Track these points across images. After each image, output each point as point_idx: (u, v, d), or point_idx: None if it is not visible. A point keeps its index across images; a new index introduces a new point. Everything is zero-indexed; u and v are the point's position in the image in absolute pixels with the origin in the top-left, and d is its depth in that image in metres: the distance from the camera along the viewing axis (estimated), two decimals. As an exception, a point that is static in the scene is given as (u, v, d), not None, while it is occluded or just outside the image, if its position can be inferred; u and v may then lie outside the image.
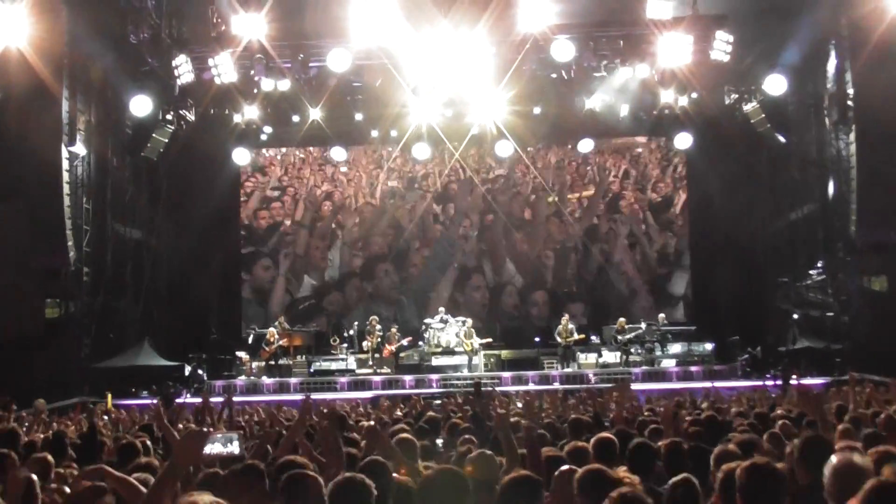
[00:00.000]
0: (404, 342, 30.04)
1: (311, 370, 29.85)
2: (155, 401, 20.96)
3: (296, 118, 31.76)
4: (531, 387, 26.35)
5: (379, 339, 29.77)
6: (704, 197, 33.73)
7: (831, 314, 28.34)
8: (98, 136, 28.99)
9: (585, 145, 33.53)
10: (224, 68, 28.04)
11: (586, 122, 32.16)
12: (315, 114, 30.90)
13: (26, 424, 12.24)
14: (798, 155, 30.55)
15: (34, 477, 5.81)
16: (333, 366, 30.08)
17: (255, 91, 30.02)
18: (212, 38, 28.70)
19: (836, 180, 28.35)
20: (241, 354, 30.32)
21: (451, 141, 32.58)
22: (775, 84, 28.68)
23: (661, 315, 30.99)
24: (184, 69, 28.38)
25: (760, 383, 23.81)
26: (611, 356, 29.86)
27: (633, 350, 29.71)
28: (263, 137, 33.44)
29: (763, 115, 29.52)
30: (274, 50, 28.11)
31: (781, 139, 30.24)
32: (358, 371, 29.57)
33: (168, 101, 29.97)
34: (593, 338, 31.07)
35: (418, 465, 6.83)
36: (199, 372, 28.83)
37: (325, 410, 11.03)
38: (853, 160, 27.40)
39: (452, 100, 30.51)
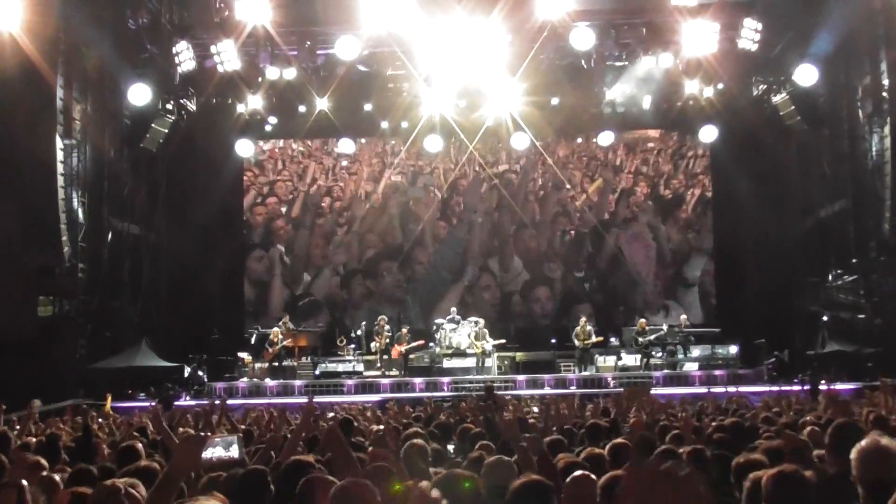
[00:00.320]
0: (415, 344, 30.04)
1: (317, 372, 29.89)
2: (153, 403, 21.04)
3: (302, 109, 31.77)
4: (547, 391, 26.34)
5: (388, 340, 29.74)
6: (730, 193, 33.66)
7: (863, 316, 28.26)
8: (94, 126, 29.03)
9: (606, 138, 33.46)
10: (227, 56, 28.09)
11: (606, 115, 32.14)
12: (322, 104, 30.89)
13: (17, 427, 12.27)
14: (829, 149, 30.43)
15: (25, 483, 5.82)
16: (340, 367, 30.11)
17: (260, 80, 30.06)
18: (214, 24, 28.76)
19: (870, 176, 28.22)
20: (244, 355, 30.30)
21: (464, 133, 32.49)
22: (806, 74, 28.49)
23: (684, 316, 30.99)
24: (185, 56, 28.44)
25: (788, 388, 23.74)
26: (630, 359, 29.81)
27: (653, 353, 29.67)
28: (268, 128, 33.48)
29: (792, 107, 29.37)
30: (280, 37, 28.13)
31: (812, 132, 30.14)
32: (366, 373, 29.59)
33: (168, 90, 29.98)
34: (612, 340, 31.03)
35: (429, 471, 6.84)
36: (200, 373, 28.86)
37: (330, 415, 11.05)
38: (888, 154, 27.21)
39: (466, 90, 30.47)
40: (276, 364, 29.54)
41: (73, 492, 5.63)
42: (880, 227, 27.59)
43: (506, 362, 30.30)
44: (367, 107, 32.03)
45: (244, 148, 33.44)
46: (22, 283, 25.64)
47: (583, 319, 29.81)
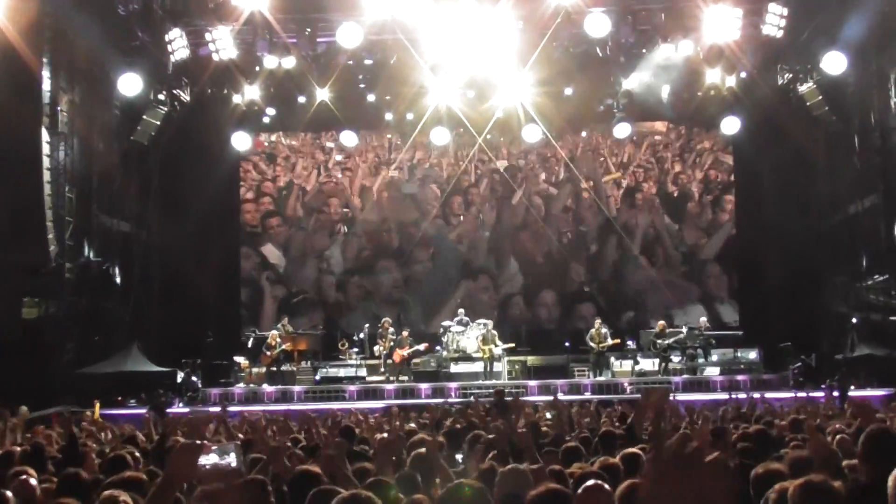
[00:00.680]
0: (419, 347, 30.02)
1: (317, 377, 29.90)
2: (145, 411, 21.04)
3: (302, 99, 31.83)
4: (560, 397, 26.29)
5: (392, 344, 29.74)
6: (752, 188, 33.64)
7: (895, 318, 28.21)
8: (82, 117, 29.00)
9: (622, 130, 33.40)
10: (223, 44, 28.13)
11: (622, 106, 32.09)
12: (323, 94, 30.92)
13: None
14: (859, 141, 30.31)
15: (10, 495, 5.84)
16: (342, 372, 30.11)
17: (257, 69, 30.09)
18: (209, 10, 28.70)
19: (902, 169, 28.18)
20: (240, 359, 30.34)
21: (473, 125, 32.46)
22: (834, 62, 28.34)
23: (703, 318, 30.94)
24: (178, 44, 28.44)
25: (815, 394, 23.69)
26: (648, 363, 29.80)
27: (672, 357, 29.64)
28: (266, 120, 33.54)
29: (820, 97, 29.33)
30: (278, 23, 28.11)
31: (840, 124, 30.08)
32: (369, 378, 29.61)
33: (161, 80, 29.99)
34: (629, 343, 30.99)
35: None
36: (194, 379, 28.83)
37: (330, 421, 11.06)
38: (921, 147, 27.25)
39: (475, 80, 30.49)
40: (275, 369, 29.51)
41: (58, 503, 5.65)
42: (913, 224, 27.57)
43: (516, 367, 30.31)
44: (371, 98, 32.07)
45: (241, 141, 33.23)
46: (5, 284, 25.60)
47: (597, 321, 29.77)
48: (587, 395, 26.42)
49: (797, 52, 29.83)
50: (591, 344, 29.26)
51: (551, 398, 19.04)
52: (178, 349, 30.05)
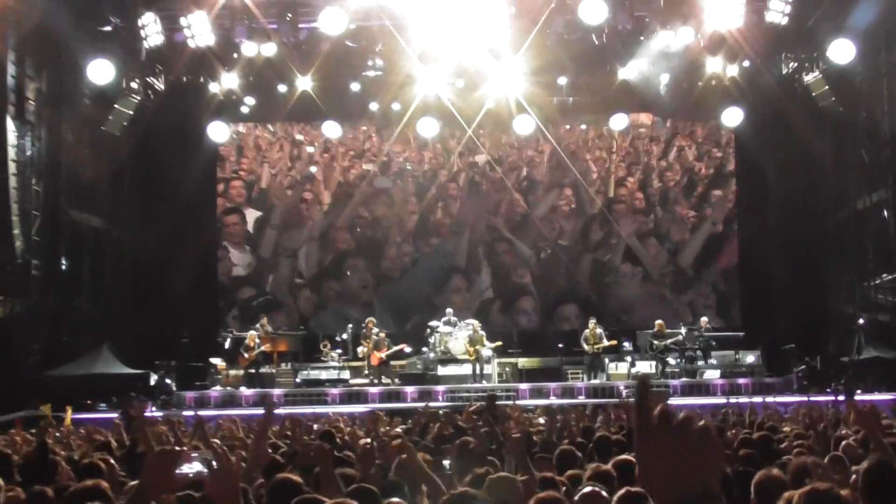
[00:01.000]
0: (397, 349, 29.91)
1: (298, 380, 29.89)
2: (117, 415, 21.00)
3: (282, 88, 31.80)
4: (553, 401, 26.34)
5: (371, 346, 29.61)
6: (755, 182, 33.69)
7: (904, 319, 28.32)
8: (50, 106, 28.94)
9: (619, 121, 33.44)
10: (199, 29, 28.04)
11: (620, 95, 32.11)
12: (304, 84, 30.89)
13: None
14: (867, 133, 30.38)
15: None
16: (323, 375, 30.11)
17: (236, 56, 30.05)
18: (185, -6, 28.68)
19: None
20: (216, 361, 30.30)
21: (462, 116, 32.42)
22: (842, 50, 28.32)
23: (704, 319, 30.94)
24: (152, 30, 28.34)
25: (820, 399, 23.72)
26: (645, 366, 29.80)
27: (670, 359, 29.66)
28: (244, 110, 33.47)
29: (826, 87, 29.36)
30: (257, 8, 28.03)
31: (848, 115, 30.13)
32: (352, 381, 29.60)
33: (133, 68, 29.93)
34: (626, 344, 30.97)
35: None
36: (168, 381, 28.77)
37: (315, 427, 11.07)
38: (932, 139, 27.31)
39: (464, 69, 30.49)
40: (253, 371, 29.41)
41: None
42: (924, 220, 27.65)
43: (507, 369, 30.32)
44: (355, 87, 32.04)
45: (218, 132, 33.22)
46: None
47: (592, 322, 29.76)
48: (581, 399, 26.45)
49: (803, 39, 29.85)
50: (586, 345, 29.21)
51: (545, 402, 19.08)
52: (152, 350, 29.94)
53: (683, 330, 29.92)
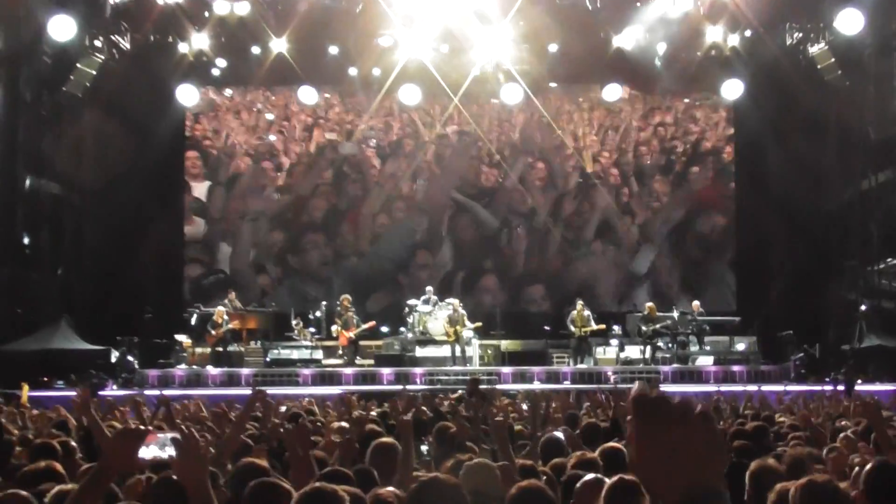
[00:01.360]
0: (365, 327, 29.84)
1: (268, 359, 29.83)
2: (76, 391, 20.97)
3: (256, 50, 31.68)
4: (536, 385, 26.37)
5: (340, 324, 29.60)
6: (756, 158, 33.71)
7: (908, 306, 28.43)
8: (7, 65, 28.76)
9: (612, 91, 33.40)
10: (168, -15, 27.95)
11: (614, 64, 32.07)
12: (280, 45, 30.78)
13: None
14: (875, 109, 30.41)
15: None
16: (295, 354, 30.04)
17: (207, 15, 29.95)
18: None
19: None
20: (182, 338, 30.26)
21: (447, 83, 32.33)
22: (849, 21, 28.30)
23: (696, 302, 30.86)
24: (118, -16, 28.27)
25: (818, 388, 23.78)
26: (635, 351, 29.84)
27: (661, 344, 29.71)
28: (215, 73, 33.31)
29: (833, 60, 29.39)
30: (230, -36, 28.00)
31: (855, 89, 30.14)
32: (325, 362, 29.58)
33: (97, 25, 29.79)
34: (615, 328, 30.98)
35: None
36: (130, 359, 28.68)
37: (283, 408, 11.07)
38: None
39: (450, 33, 30.41)
40: (220, 349, 29.33)
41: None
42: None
43: (489, 351, 30.31)
44: (333, 50, 31.93)
45: (187, 95, 33.00)
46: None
47: (579, 303, 29.66)
48: (566, 385, 26.48)
49: (808, 8, 29.86)
50: (573, 328, 29.12)
51: (527, 387, 19.09)
52: (113, 325, 29.91)
53: (675, 313, 29.86)
